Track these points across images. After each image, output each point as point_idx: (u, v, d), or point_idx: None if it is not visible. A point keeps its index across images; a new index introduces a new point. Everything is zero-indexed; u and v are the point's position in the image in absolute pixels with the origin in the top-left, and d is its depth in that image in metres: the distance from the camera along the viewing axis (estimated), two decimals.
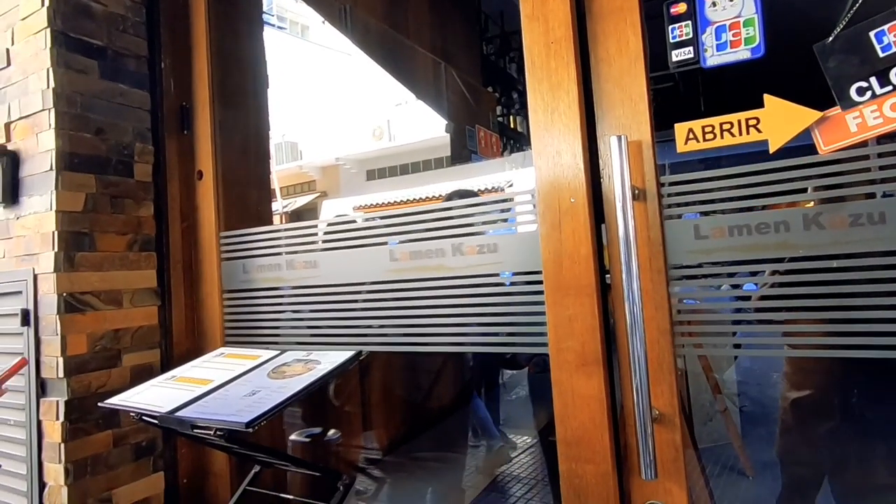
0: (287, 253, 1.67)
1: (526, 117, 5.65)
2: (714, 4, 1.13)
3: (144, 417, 1.29)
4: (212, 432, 1.15)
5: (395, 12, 3.20)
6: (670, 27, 1.17)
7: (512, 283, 1.33)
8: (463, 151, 3.85)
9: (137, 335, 1.76)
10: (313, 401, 2.34)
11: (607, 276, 1.26)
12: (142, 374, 1.73)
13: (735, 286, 1.23)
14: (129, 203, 1.77)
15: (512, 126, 5.29)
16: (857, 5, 1.03)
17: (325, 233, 1.70)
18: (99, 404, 1.41)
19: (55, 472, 1.57)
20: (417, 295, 1.42)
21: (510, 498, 3.55)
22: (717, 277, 1.19)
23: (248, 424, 1.11)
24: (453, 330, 1.38)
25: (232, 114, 1.97)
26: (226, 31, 1.97)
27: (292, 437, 2.25)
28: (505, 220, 1.45)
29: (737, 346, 1.17)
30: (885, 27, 1.01)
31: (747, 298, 1.20)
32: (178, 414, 1.24)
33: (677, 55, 1.17)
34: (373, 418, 2.55)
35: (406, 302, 1.44)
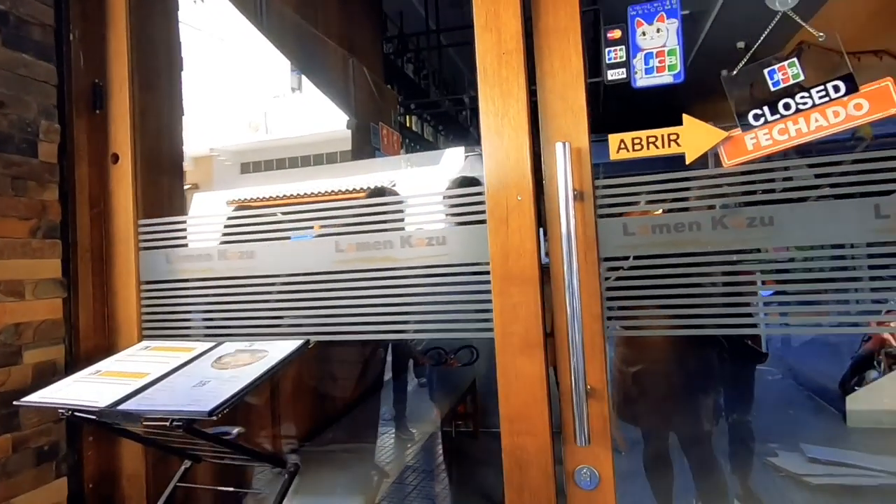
0: (220, 242, 1.63)
1: (421, 117, 5.79)
2: (644, 34, 1.31)
3: (77, 413, 1.21)
4: (167, 423, 1.12)
5: (305, 4, 3.15)
6: (606, 49, 1.34)
7: (460, 274, 1.42)
8: (366, 147, 3.88)
9: (40, 330, 1.61)
10: None
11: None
12: (45, 373, 1.59)
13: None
14: (32, 185, 1.61)
15: (408, 125, 5.39)
16: (757, 46, 1.26)
17: (253, 223, 1.66)
18: (16, 403, 1.28)
19: None
20: (365, 285, 1.47)
21: (407, 486, 3.66)
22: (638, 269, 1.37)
23: (210, 413, 1.10)
24: (401, 318, 1.45)
25: (147, 95, 1.86)
26: (142, 6, 1.85)
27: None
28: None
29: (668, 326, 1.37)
30: (776, 66, 1.24)
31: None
32: (122, 407, 1.18)
33: (612, 74, 1.34)
34: (283, 413, 2.51)
35: (353, 292, 1.48)
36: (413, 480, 3.78)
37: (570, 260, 1.26)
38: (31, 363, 1.58)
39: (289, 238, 1.54)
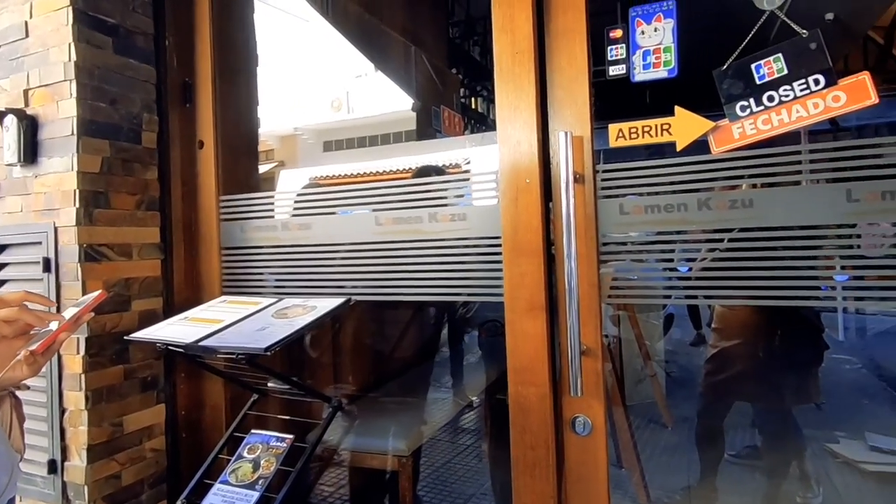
0: (282, 215, 1.94)
1: (486, 98, 5.96)
2: (643, 33, 1.46)
3: (170, 347, 1.55)
4: (234, 356, 1.43)
5: None
6: (609, 47, 1.49)
7: (477, 246, 1.64)
8: (428, 129, 4.12)
9: (144, 284, 1.99)
10: (291, 354, 2.60)
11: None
12: (148, 318, 1.97)
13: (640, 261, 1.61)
14: (137, 167, 1.98)
15: (473, 107, 5.58)
16: (746, 42, 1.38)
17: (310, 200, 1.95)
18: (126, 338, 1.65)
19: (75, 399, 1.81)
20: (399, 254, 1.73)
21: (459, 446, 3.97)
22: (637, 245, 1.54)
23: (266, 349, 1.39)
24: (428, 283, 1.70)
25: (227, 89, 2.18)
26: (224, 13, 2.17)
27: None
28: (461, 196, 1.76)
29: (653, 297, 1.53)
30: (762, 62, 1.36)
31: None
32: (202, 343, 1.50)
33: (613, 70, 1.49)
34: (343, 368, 2.84)
35: (389, 259, 1.74)
36: (464, 440, 4.09)
37: (568, 235, 1.45)
38: (138, 310, 1.97)
39: (335, 213, 1.82)
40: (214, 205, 2.06)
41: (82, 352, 1.79)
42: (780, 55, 1.34)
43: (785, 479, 2.95)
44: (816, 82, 1.30)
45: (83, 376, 1.79)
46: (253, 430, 1.73)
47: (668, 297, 1.93)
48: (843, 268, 1.38)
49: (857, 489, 3.17)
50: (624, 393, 3.78)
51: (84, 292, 1.80)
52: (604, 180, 1.51)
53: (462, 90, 5.26)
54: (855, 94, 1.27)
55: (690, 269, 1.52)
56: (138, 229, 1.98)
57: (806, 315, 2.74)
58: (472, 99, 5.56)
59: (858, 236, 1.32)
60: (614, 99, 1.88)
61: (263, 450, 1.66)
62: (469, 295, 1.66)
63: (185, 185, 2.10)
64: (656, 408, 4.11)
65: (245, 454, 1.67)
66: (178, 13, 2.09)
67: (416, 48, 3.88)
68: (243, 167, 2.27)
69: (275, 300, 1.81)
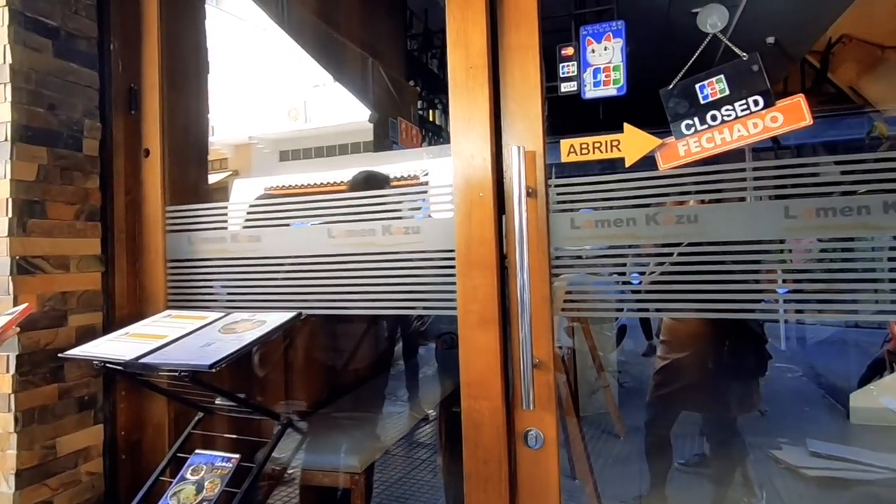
0: (234, 227, 1.88)
1: (444, 111, 5.98)
2: (593, 51, 1.49)
3: (108, 365, 1.48)
4: (177, 374, 1.37)
5: (327, 7, 3.38)
6: (561, 65, 1.52)
7: (431, 259, 1.64)
8: (385, 141, 4.11)
9: (83, 298, 1.90)
10: (240, 370, 2.52)
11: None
12: (86, 334, 1.87)
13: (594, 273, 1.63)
14: (77, 175, 1.90)
15: (431, 119, 5.59)
16: (691, 63, 1.42)
17: (261, 211, 1.90)
18: (60, 355, 1.56)
19: (4, 421, 1.70)
20: (352, 267, 1.70)
21: (414, 461, 3.93)
22: (587, 259, 1.56)
23: (211, 366, 1.34)
24: (381, 296, 1.67)
25: (176, 96, 2.12)
26: (173, 17, 2.11)
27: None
28: (418, 209, 1.76)
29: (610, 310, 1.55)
30: (706, 82, 1.41)
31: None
32: (143, 360, 1.44)
33: (565, 87, 1.52)
34: (295, 384, 2.77)
35: (342, 272, 1.71)
36: (419, 454, 4.05)
37: (521, 248, 1.46)
38: (75, 326, 1.87)
39: (289, 225, 1.78)
40: (160, 215, 1.98)
41: (12, 370, 1.69)
42: (722, 76, 1.39)
43: (730, 485, 3.03)
44: (756, 103, 1.36)
45: (13, 396, 1.69)
46: (197, 451, 1.66)
47: (620, 309, 1.97)
48: (784, 281, 1.43)
49: (799, 494, 3.28)
50: (578, 404, 3.82)
51: (15, 306, 1.70)
52: (557, 194, 1.53)
53: (420, 102, 5.27)
54: (791, 115, 1.32)
55: (641, 283, 1.56)
56: (77, 240, 1.89)
57: (750, 326, 2.83)
58: (430, 111, 5.58)
59: (790, 251, 1.37)
60: (568, 115, 1.91)
61: (208, 470, 1.60)
62: (423, 308, 1.65)
63: (129, 195, 2.02)
64: (609, 418, 4.18)
65: (188, 476, 1.60)
66: (124, 17, 2.02)
67: (374, 60, 3.87)
68: (192, 176, 2.20)
69: (222, 314, 1.75)
